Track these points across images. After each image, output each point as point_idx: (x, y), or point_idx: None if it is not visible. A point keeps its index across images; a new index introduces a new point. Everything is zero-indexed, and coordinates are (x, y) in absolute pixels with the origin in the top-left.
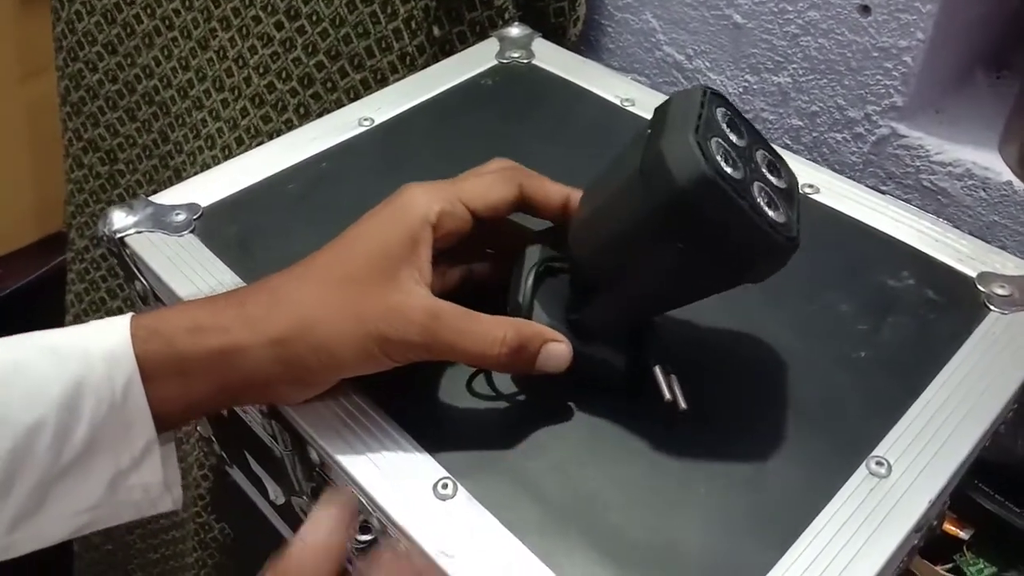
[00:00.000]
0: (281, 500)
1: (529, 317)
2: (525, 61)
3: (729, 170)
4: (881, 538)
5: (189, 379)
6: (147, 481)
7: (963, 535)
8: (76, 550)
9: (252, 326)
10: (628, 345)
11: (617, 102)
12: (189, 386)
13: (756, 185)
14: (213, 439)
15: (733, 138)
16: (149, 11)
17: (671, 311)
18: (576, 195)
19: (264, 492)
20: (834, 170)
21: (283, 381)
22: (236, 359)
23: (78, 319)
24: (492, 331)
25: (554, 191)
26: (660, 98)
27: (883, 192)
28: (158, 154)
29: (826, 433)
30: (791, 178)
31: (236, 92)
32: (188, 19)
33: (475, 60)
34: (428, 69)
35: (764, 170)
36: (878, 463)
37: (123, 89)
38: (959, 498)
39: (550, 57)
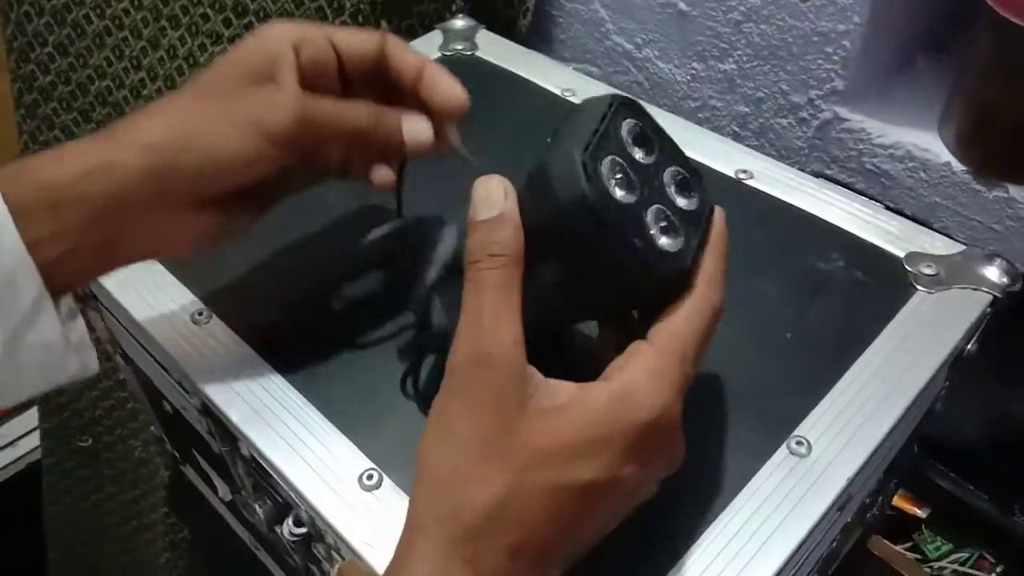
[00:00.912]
0: (228, 497)
1: (427, 317)
2: (469, 53)
3: (619, 192)
4: (799, 516)
5: (61, 212)
6: (46, 338)
7: (921, 514)
8: (51, 557)
9: (120, 139)
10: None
11: (558, 92)
12: (62, 220)
13: (654, 209)
14: (165, 439)
15: (638, 155)
16: (99, 11)
17: None
18: (433, 70)
19: (214, 489)
20: (780, 155)
21: (158, 202)
22: (105, 178)
23: None
24: (358, 108)
25: (411, 57)
26: (600, 88)
27: (828, 175)
28: None
29: (750, 414)
30: (703, 199)
31: None
32: (138, 18)
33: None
34: None
35: (671, 190)
36: (798, 443)
37: (76, 90)
38: (916, 477)
39: (493, 49)
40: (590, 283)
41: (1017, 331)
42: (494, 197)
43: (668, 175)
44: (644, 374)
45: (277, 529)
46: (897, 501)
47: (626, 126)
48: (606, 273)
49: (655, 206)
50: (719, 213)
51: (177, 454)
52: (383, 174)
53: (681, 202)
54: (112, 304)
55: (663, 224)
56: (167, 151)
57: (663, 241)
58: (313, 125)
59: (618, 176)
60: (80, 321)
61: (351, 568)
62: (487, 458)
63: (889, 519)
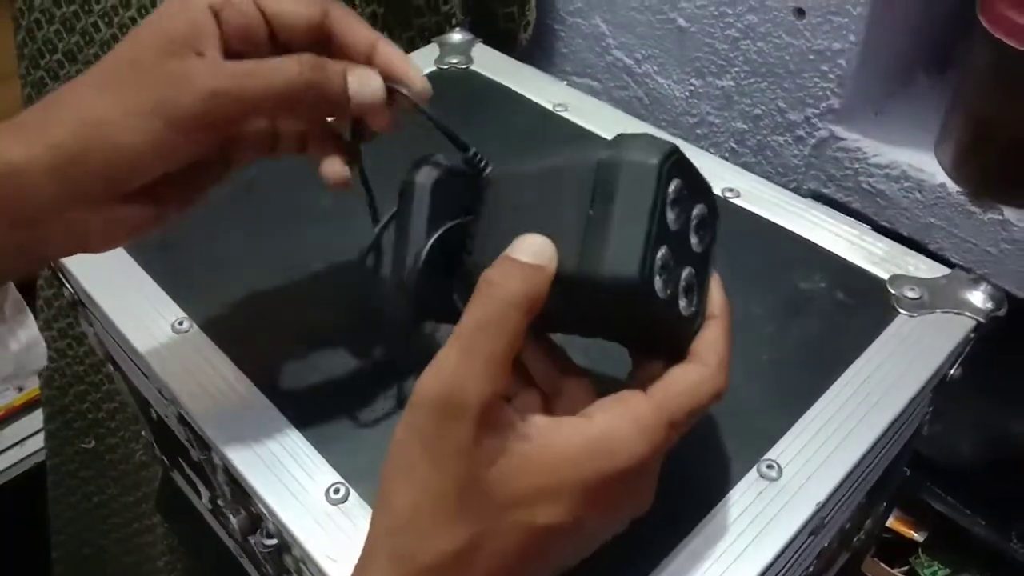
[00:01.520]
0: (211, 505)
1: (414, 303)
2: (464, 67)
3: (660, 285)
4: (765, 541)
5: None
6: None
7: (917, 537)
8: (55, 556)
9: (26, 138)
10: None
11: (551, 107)
12: None
13: (683, 276)
14: (154, 444)
15: (671, 219)
16: (107, 19)
17: None
18: (389, 48)
19: (199, 495)
20: (777, 173)
21: (73, 202)
22: (12, 180)
23: (48, 324)
24: (285, 62)
25: (363, 33)
26: (593, 104)
27: (824, 194)
28: None
29: (721, 435)
30: (713, 230)
31: None
32: None
33: None
34: None
35: (692, 234)
36: (768, 466)
37: None
38: (912, 500)
39: (489, 63)
40: (601, 328)
41: (1015, 352)
42: (545, 252)
43: (694, 215)
44: (630, 424)
45: (251, 539)
46: (893, 524)
47: (673, 188)
48: (623, 328)
49: (683, 273)
50: (718, 281)
51: (166, 460)
52: (334, 169)
53: (695, 243)
54: (96, 311)
55: (686, 287)
56: (70, 151)
57: (683, 305)
58: (231, 96)
59: (662, 269)
60: (22, 322)
61: None
62: (450, 510)
63: (885, 542)
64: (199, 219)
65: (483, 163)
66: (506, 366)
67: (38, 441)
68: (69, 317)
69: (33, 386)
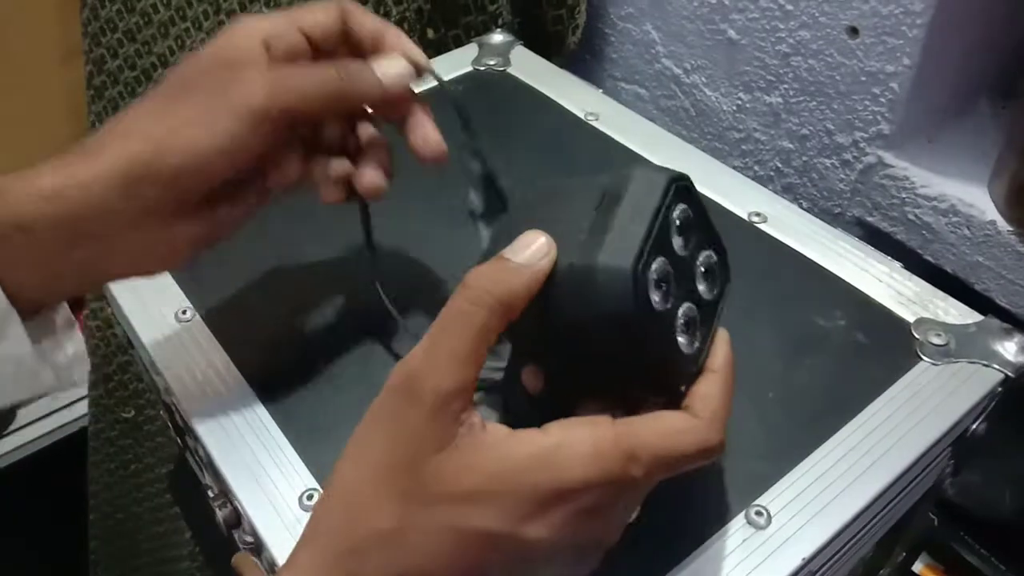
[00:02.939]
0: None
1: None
2: (500, 69)
3: (657, 300)
4: None
5: (34, 235)
6: (15, 353)
7: None
8: (91, 519)
9: (93, 158)
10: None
11: (582, 116)
12: (36, 244)
13: (683, 308)
14: (169, 425)
15: (677, 246)
16: (165, 1)
17: None
18: (394, 34)
19: (203, 479)
20: (822, 196)
21: (139, 218)
22: (81, 196)
23: (97, 296)
24: (325, 69)
25: (369, 20)
26: (624, 114)
27: (869, 222)
28: None
29: (714, 476)
30: (723, 284)
31: None
32: (199, 11)
33: (450, 66)
34: None
35: (699, 278)
36: (758, 512)
37: (140, 76)
38: (944, 551)
39: (526, 66)
40: (602, 368)
41: None
42: (531, 250)
43: (701, 259)
44: (585, 444)
45: (234, 533)
46: (922, 571)
47: (677, 212)
48: (622, 368)
49: (684, 305)
50: (725, 337)
51: (179, 441)
52: (370, 177)
53: (703, 289)
54: (109, 295)
55: (686, 321)
56: (142, 162)
57: (682, 341)
58: (289, 95)
59: (659, 282)
60: (70, 336)
61: (245, 560)
62: (390, 487)
63: None
64: None
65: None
66: (469, 363)
67: (84, 406)
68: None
69: None
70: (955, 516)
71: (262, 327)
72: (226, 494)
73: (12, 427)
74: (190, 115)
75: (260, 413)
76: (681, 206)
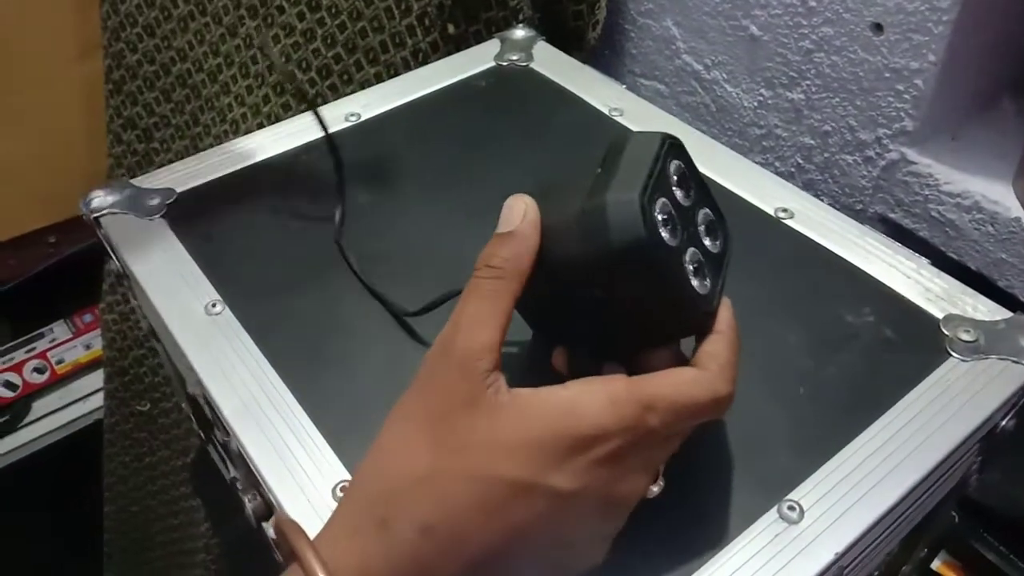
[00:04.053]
0: (232, 486)
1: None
2: (523, 64)
3: (666, 236)
4: None
5: None
6: None
7: None
8: (106, 511)
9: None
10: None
11: (606, 111)
12: None
13: (690, 251)
14: (192, 418)
15: (679, 196)
16: None
17: None
18: None
19: (228, 471)
20: (844, 193)
21: None
22: None
23: (112, 288)
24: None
25: None
26: (649, 110)
27: (891, 219)
28: (189, 135)
29: (745, 469)
30: (726, 243)
31: (260, 79)
32: (219, 6)
33: (473, 61)
34: (424, 68)
35: (702, 232)
36: (790, 507)
37: (159, 70)
38: (964, 548)
39: (548, 61)
40: (618, 318)
41: None
42: (512, 215)
43: (701, 216)
44: (600, 395)
45: (264, 526)
46: (941, 568)
47: (673, 166)
48: (641, 309)
49: (691, 249)
50: (727, 304)
51: (202, 434)
52: None
53: (708, 243)
54: (135, 285)
55: (695, 266)
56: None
57: (695, 283)
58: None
59: (666, 219)
60: None
61: (287, 522)
62: (421, 435)
63: None
64: (242, 206)
65: None
66: (490, 324)
67: (99, 399)
68: None
69: (99, 346)
70: (974, 513)
71: (292, 320)
72: (257, 486)
73: (27, 420)
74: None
75: (292, 405)
76: (676, 162)
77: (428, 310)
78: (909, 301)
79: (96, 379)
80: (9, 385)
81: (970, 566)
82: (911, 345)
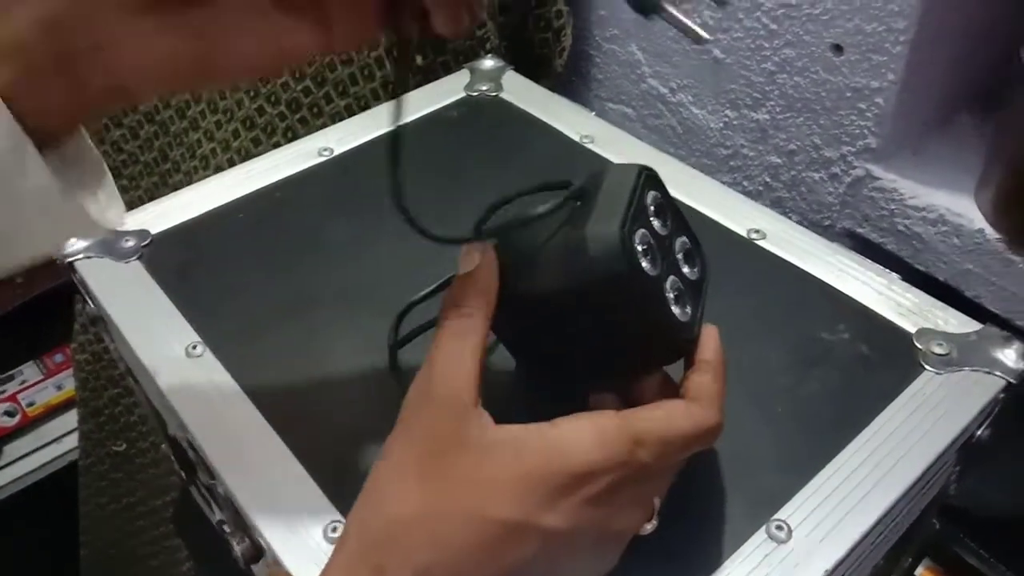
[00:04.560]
0: (219, 528)
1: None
2: (493, 94)
3: (647, 266)
4: None
5: (10, 18)
6: (39, 184)
7: None
8: (83, 554)
9: None
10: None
11: (576, 138)
12: (10, 27)
13: (670, 280)
14: (172, 458)
15: (657, 226)
16: None
17: None
18: None
19: (213, 512)
20: (812, 210)
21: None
22: None
23: (84, 328)
24: None
25: None
26: (619, 136)
27: (859, 234)
28: (158, 172)
29: (731, 491)
30: (703, 270)
31: (228, 114)
32: None
33: (443, 92)
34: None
35: (680, 260)
36: (778, 527)
37: (126, 108)
38: (945, 553)
39: (518, 91)
40: (605, 345)
41: None
42: (471, 257)
43: (678, 245)
44: (589, 431)
45: (254, 568)
46: (923, 574)
47: (650, 197)
48: (624, 338)
49: (671, 277)
50: (714, 332)
51: (183, 475)
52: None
53: (687, 271)
54: (113, 330)
55: (676, 294)
56: None
57: (676, 310)
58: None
59: (646, 250)
60: (96, 171)
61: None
62: (411, 477)
63: None
64: (219, 245)
65: None
66: (465, 358)
67: (73, 440)
68: None
69: (70, 386)
70: (953, 519)
71: (274, 360)
72: (246, 529)
73: None
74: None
75: (278, 446)
76: (652, 192)
77: (408, 340)
78: (882, 317)
79: (69, 420)
80: None
81: (952, 571)
82: (886, 360)
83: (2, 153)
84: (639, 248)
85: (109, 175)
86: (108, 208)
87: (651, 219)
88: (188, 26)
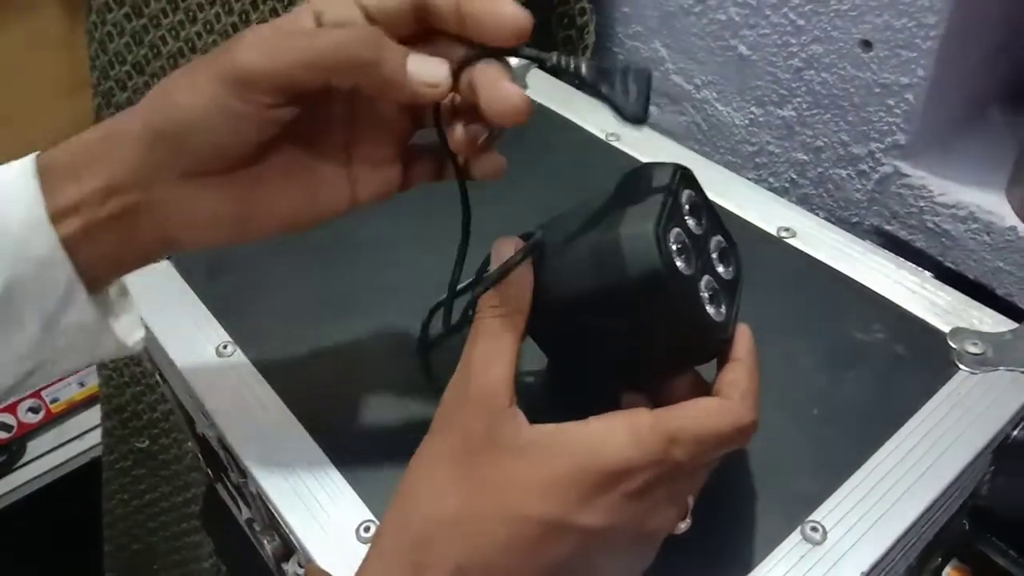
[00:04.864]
0: (248, 526)
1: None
2: None
3: (681, 265)
4: None
5: (80, 179)
6: (81, 321)
7: None
8: (106, 550)
9: (134, 112)
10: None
11: (602, 136)
12: (81, 187)
13: (704, 279)
14: (200, 457)
15: (692, 225)
16: (174, 33)
17: None
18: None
19: (240, 511)
20: (839, 207)
21: (162, 172)
22: (113, 144)
23: None
24: (340, 31)
25: None
26: (644, 133)
27: (887, 231)
28: None
29: (765, 491)
30: (738, 269)
31: None
32: (209, 41)
33: None
34: None
35: (715, 259)
36: (813, 528)
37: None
38: (973, 553)
39: (544, 88)
40: (640, 345)
41: None
42: (504, 255)
43: (713, 244)
44: (623, 429)
45: (284, 566)
46: (950, 574)
47: (685, 196)
48: (659, 338)
49: (706, 276)
50: (747, 330)
51: (210, 473)
52: (468, 136)
53: (721, 270)
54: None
55: (710, 293)
56: (153, 112)
57: (711, 310)
58: (279, 60)
59: (680, 249)
60: (120, 306)
61: (316, 571)
62: (447, 477)
63: None
64: (248, 245)
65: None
66: (499, 360)
67: (96, 436)
68: None
69: (93, 383)
70: (980, 518)
71: (305, 360)
72: (276, 528)
73: (22, 460)
74: (190, 73)
75: (310, 447)
76: (688, 191)
77: (440, 342)
78: (916, 316)
79: (92, 416)
80: (4, 426)
81: (979, 571)
82: (921, 360)
83: (58, 300)
84: (674, 247)
85: (134, 302)
86: (131, 334)
87: (686, 218)
88: (231, 189)
